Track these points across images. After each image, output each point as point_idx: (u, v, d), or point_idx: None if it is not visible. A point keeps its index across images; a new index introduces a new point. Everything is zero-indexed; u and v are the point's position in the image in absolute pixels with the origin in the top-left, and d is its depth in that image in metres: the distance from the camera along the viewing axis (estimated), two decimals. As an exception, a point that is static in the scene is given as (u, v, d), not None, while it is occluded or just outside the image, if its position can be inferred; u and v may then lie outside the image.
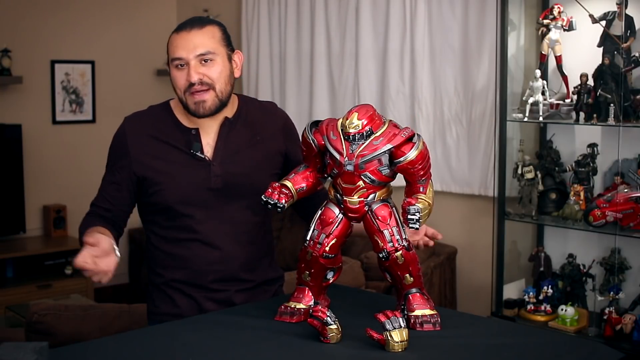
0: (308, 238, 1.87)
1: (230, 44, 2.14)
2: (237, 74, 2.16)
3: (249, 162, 2.15)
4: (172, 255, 2.15)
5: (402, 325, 1.69)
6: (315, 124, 1.87)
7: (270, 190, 1.89)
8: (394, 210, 1.84)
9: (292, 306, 1.92)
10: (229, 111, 2.17)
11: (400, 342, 1.69)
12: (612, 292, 3.19)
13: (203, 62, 2.06)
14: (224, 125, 2.15)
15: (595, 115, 3.17)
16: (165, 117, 2.17)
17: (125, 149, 2.14)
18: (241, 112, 2.20)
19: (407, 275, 1.84)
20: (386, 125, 1.78)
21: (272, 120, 2.24)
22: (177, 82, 2.09)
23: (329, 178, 1.88)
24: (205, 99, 2.07)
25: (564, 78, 3.38)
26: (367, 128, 1.76)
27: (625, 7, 3.12)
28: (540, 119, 3.39)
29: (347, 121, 1.77)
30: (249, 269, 2.18)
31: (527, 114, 3.40)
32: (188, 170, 2.11)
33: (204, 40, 2.07)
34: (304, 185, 1.92)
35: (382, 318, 1.70)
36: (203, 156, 2.12)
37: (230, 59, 2.13)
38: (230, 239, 2.14)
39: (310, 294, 1.93)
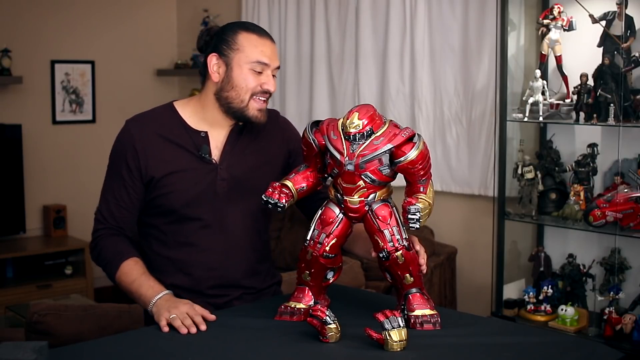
0: (308, 238, 1.88)
1: None
2: None
3: (254, 168, 2.14)
4: (172, 260, 2.12)
5: (401, 325, 1.69)
6: (316, 124, 1.88)
7: (270, 189, 1.89)
8: (394, 210, 1.84)
9: (292, 306, 1.92)
10: None
11: (399, 341, 1.69)
12: (612, 292, 3.19)
13: (274, 75, 2.11)
14: (233, 130, 2.14)
15: (595, 115, 3.17)
16: (170, 117, 2.14)
17: (132, 149, 2.08)
18: None
19: (407, 275, 1.84)
20: (387, 125, 1.78)
21: (275, 129, 2.22)
22: (249, 83, 2.06)
23: (329, 178, 1.89)
24: (265, 108, 2.11)
25: (564, 78, 3.38)
26: (367, 128, 1.76)
27: (625, 7, 3.12)
28: (540, 119, 3.39)
29: (348, 121, 1.77)
30: (249, 276, 2.16)
31: (527, 114, 3.40)
32: (195, 173, 2.09)
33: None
34: (304, 185, 1.92)
35: (380, 317, 1.70)
36: (210, 159, 2.10)
37: None
38: (231, 245, 2.12)
39: (310, 293, 1.93)
